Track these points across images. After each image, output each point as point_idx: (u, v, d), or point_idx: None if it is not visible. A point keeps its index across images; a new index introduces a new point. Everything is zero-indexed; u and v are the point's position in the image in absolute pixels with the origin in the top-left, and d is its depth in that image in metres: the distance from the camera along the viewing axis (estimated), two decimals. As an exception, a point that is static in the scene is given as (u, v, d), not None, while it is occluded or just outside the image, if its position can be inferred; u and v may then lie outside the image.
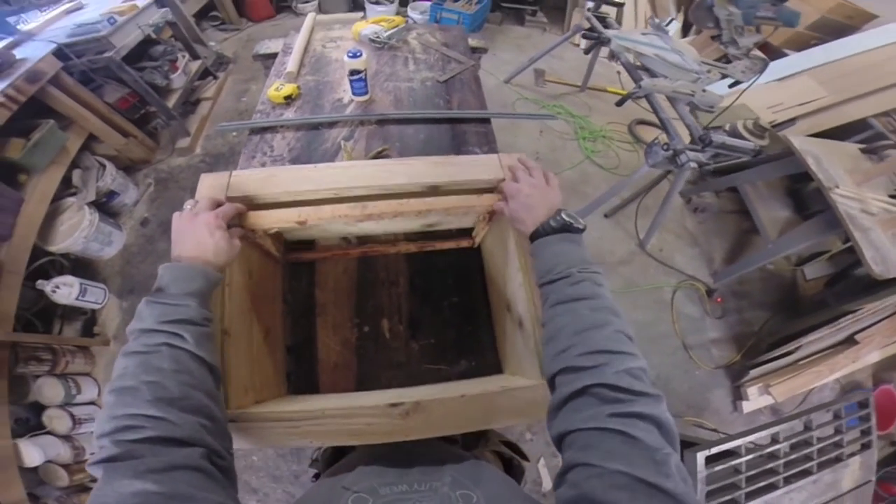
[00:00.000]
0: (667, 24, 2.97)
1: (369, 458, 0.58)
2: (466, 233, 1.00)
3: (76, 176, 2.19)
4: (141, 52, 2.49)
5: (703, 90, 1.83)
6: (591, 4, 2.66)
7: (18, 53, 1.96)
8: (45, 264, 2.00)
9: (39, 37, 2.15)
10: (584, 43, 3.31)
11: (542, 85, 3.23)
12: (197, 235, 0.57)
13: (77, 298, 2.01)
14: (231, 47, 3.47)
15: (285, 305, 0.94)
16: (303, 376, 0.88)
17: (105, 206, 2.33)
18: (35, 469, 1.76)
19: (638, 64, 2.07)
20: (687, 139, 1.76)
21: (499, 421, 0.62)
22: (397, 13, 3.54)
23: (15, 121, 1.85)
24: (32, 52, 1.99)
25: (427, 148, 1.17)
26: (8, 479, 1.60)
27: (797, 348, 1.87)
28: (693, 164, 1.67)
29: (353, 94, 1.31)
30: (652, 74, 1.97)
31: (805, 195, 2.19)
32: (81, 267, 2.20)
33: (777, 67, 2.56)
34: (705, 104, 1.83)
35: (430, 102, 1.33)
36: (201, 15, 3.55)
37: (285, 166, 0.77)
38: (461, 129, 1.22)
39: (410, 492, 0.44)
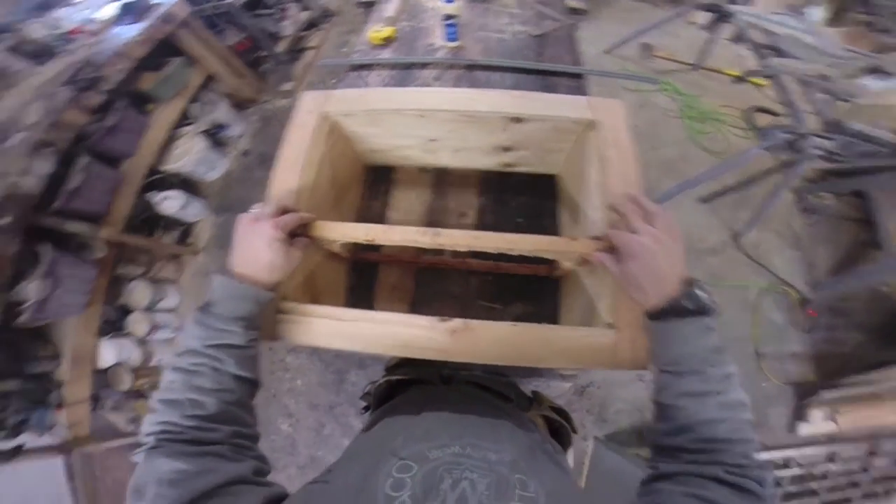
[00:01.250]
0: (805, 8, 2.58)
1: (421, 405, 0.58)
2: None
3: (194, 108, 2.45)
4: (257, 1, 2.69)
5: (845, 77, 1.57)
6: (714, -21, 2.37)
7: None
8: (156, 180, 2.26)
9: (172, -16, 2.40)
10: (702, 18, 2.99)
11: (648, 59, 2.98)
12: (254, 247, 0.55)
13: (179, 210, 2.27)
14: (335, 1, 3.60)
15: (359, 219, 0.98)
16: (361, 292, 0.93)
17: (214, 137, 2.60)
18: (104, 371, 1.91)
19: (766, 43, 1.83)
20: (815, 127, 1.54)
21: (551, 360, 0.58)
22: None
23: (149, 58, 2.11)
24: None
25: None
26: (80, 375, 1.79)
27: (886, 378, 1.64)
28: (818, 152, 1.45)
29: (446, 38, 1.32)
30: (781, 55, 1.73)
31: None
32: (187, 185, 2.48)
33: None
34: (845, 93, 1.57)
35: (520, 54, 1.29)
36: (312, -30, 3.72)
37: (377, 89, 0.79)
38: (551, 81, 1.17)
39: (462, 455, 0.42)
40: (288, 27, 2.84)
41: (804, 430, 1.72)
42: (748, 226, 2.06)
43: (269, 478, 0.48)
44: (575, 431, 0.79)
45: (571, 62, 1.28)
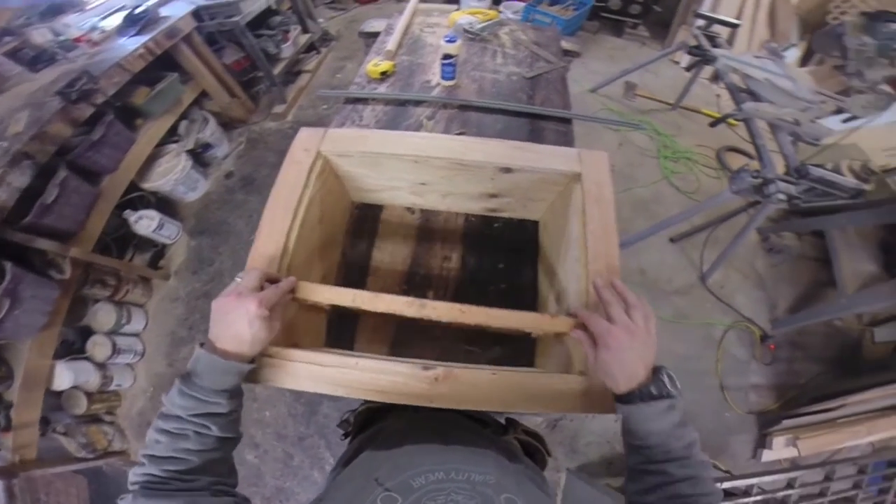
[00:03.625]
0: (784, 50, 2.74)
1: (404, 434, 0.59)
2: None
3: (182, 126, 2.43)
4: (261, 21, 2.69)
5: (812, 121, 1.67)
6: (701, 22, 2.52)
7: (163, 11, 2.21)
8: (134, 198, 2.19)
9: (182, -3, 2.38)
10: (685, 60, 3.15)
11: (630, 98, 3.10)
12: (235, 325, 0.54)
13: (154, 231, 2.20)
14: (336, 25, 3.69)
15: (343, 258, 0.99)
16: (342, 331, 0.91)
17: (199, 156, 2.57)
18: (58, 394, 1.78)
19: (743, 87, 1.94)
20: (781, 170, 1.62)
21: (525, 405, 0.60)
22: (490, 9, 3.56)
23: (145, 71, 2.06)
24: (174, 11, 2.23)
25: (502, 138, 1.17)
26: (32, 399, 1.66)
27: (841, 406, 1.74)
28: (781, 196, 1.54)
29: (442, 77, 1.36)
30: (756, 99, 1.83)
31: (900, 251, 1.94)
32: (164, 205, 2.41)
33: (906, 106, 2.27)
34: (811, 136, 1.67)
35: (512, 96, 1.34)
36: (317, -9, 3.77)
37: (375, 130, 0.82)
38: (540, 125, 1.22)
39: (446, 480, 0.44)
40: (287, 49, 2.87)
41: (767, 456, 1.82)
42: (714, 266, 2.17)
43: None
44: (549, 454, 0.82)
45: (561, 105, 1.33)
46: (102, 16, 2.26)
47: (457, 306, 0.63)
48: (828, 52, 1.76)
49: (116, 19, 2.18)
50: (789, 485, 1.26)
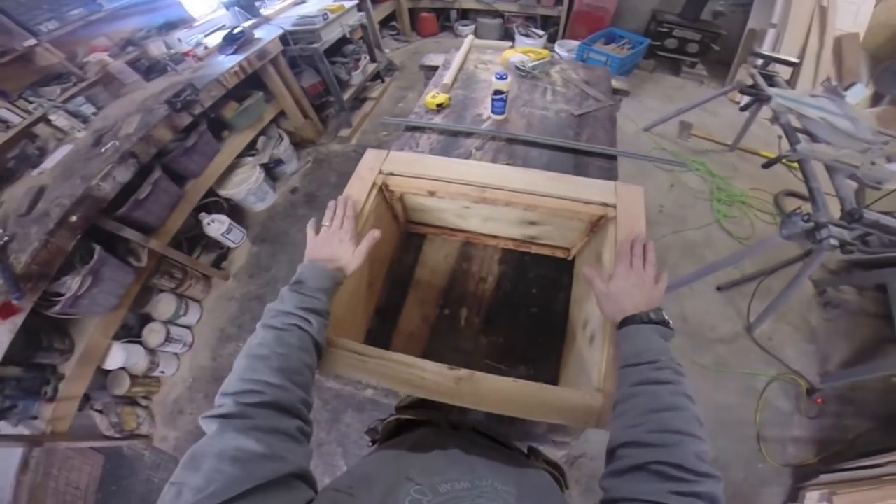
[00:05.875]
0: (846, 89, 2.62)
1: (431, 444, 0.61)
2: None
3: (261, 141, 2.72)
4: (336, 49, 2.97)
5: (873, 163, 1.61)
6: (759, 61, 2.50)
7: (257, 33, 2.50)
8: (210, 202, 2.44)
9: (272, 22, 2.69)
10: (742, 99, 3.10)
11: (685, 138, 3.06)
12: (331, 246, 0.75)
13: (223, 234, 2.41)
14: (400, 57, 3.98)
15: (390, 271, 1.11)
16: (380, 334, 1.02)
17: (270, 170, 2.84)
18: (105, 373, 1.89)
19: (799, 127, 1.90)
20: (837, 215, 1.57)
21: (544, 414, 0.64)
22: (544, 48, 3.66)
23: (236, 87, 2.33)
24: (266, 34, 2.51)
25: (547, 170, 1.26)
26: (83, 374, 1.77)
27: (889, 462, 1.58)
28: (833, 242, 1.48)
29: (492, 112, 1.47)
30: (813, 139, 1.79)
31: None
32: (235, 212, 2.66)
33: None
34: (872, 179, 1.61)
35: (559, 132, 1.42)
36: (384, 23, 4.13)
37: (428, 156, 0.94)
38: (584, 161, 1.29)
39: (472, 488, 0.45)
40: (357, 77, 3.13)
41: (795, 512, 1.68)
42: (762, 316, 2.05)
43: None
44: (567, 487, 0.82)
45: (608, 142, 1.40)
46: (206, 33, 2.58)
47: (510, 193, 0.84)
48: (892, 90, 1.69)
49: (218, 37, 2.47)
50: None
